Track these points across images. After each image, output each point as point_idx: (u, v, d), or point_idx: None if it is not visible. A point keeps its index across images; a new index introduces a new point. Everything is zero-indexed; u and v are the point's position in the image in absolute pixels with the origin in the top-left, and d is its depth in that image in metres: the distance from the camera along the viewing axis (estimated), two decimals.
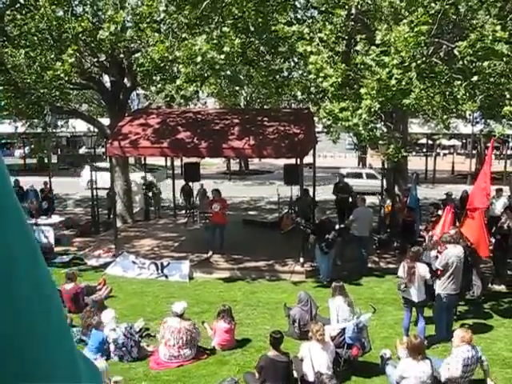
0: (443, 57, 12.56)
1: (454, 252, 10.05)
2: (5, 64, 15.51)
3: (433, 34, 11.28)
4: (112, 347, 9.34)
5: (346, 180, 20.67)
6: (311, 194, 17.27)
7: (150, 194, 21.21)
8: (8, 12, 14.74)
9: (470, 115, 26.24)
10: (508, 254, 13.79)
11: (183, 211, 21.18)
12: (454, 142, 50.32)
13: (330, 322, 9.59)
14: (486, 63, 10.93)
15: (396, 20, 11.73)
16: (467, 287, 11.91)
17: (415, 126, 30.64)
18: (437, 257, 10.20)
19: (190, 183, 20.47)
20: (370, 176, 28.37)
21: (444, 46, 12.38)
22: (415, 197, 16.01)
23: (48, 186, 20.82)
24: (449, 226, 11.26)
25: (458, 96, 11.77)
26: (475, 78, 11.07)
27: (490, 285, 13.11)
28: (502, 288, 13.20)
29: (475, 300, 12.14)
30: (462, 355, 7.69)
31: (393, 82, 10.54)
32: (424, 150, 42.24)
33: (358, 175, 28.81)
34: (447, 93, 12.77)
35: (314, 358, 8.03)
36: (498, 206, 16.49)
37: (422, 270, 9.73)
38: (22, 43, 14.85)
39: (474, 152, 37.45)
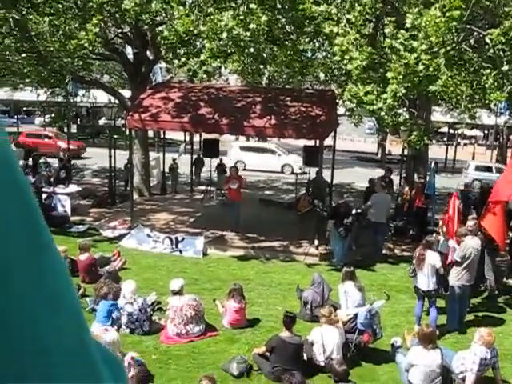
0: (473, 44, 12.28)
1: (472, 244, 9.92)
2: (29, 31, 15.45)
3: (464, 20, 11.00)
4: (124, 319, 9.35)
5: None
6: (329, 176, 17.09)
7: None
8: None
9: (494, 105, 25.81)
10: None
11: (200, 187, 21.20)
12: (475, 132, 49.68)
13: (340, 307, 9.55)
14: None
15: (426, 4, 11.46)
16: (481, 279, 11.79)
17: (438, 114, 30.26)
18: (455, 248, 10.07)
19: (207, 159, 20.42)
20: (499, 170, 28.31)
21: (475, 33, 12.08)
22: (433, 185, 15.89)
23: (66, 155, 20.88)
24: (457, 220, 11.01)
25: (486, 85, 11.50)
26: (506, 68, 10.80)
27: (505, 279, 12.96)
28: None
29: (489, 293, 12.01)
30: (479, 355, 7.56)
31: (420, 67, 10.34)
32: (445, 138, 41.79)
33: (488, 169, 28.65)
34: (475, 82, 12.49)
35: (325, 342, 8.00)
36: None
37: (431, 258, 9.56)
38: (46, 11, 14.73)
39: (496, 143, 36.97)
